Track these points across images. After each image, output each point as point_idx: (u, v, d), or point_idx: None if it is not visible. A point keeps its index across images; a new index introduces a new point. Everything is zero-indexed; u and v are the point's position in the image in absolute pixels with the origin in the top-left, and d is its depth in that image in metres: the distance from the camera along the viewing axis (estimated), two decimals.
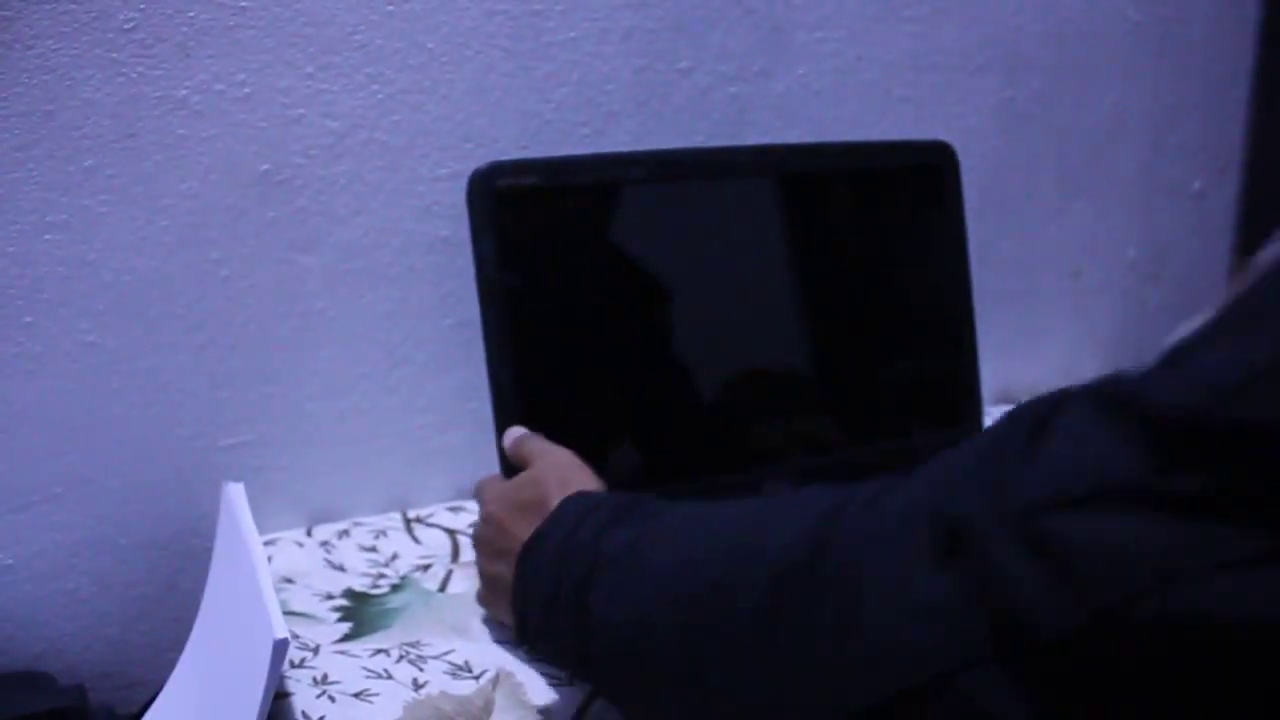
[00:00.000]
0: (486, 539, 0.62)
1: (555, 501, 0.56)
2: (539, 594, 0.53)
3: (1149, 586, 0.32)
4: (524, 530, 0.57)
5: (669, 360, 0.74)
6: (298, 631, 0.67)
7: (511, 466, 0.65)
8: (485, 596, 0.66)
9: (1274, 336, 0.32)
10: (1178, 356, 0.36)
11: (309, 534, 0.80)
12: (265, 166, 0.74)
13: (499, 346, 0.67)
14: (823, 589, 0.40)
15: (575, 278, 0.71)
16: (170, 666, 0.70)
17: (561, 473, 0.60)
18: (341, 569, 0.75)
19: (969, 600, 0.35)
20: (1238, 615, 0.31)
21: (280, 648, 0.52)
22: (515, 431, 0.66)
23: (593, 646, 0.50)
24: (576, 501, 0.55)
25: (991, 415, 1.05)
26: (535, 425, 0.67)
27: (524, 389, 0.68)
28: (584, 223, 0.71)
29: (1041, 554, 0.34)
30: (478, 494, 0.66)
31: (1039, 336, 1.12)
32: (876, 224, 0.82)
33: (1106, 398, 0.36)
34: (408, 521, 0.82)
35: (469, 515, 0.84)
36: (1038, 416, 0.38)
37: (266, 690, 0.52)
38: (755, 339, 0.77)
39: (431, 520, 0.83)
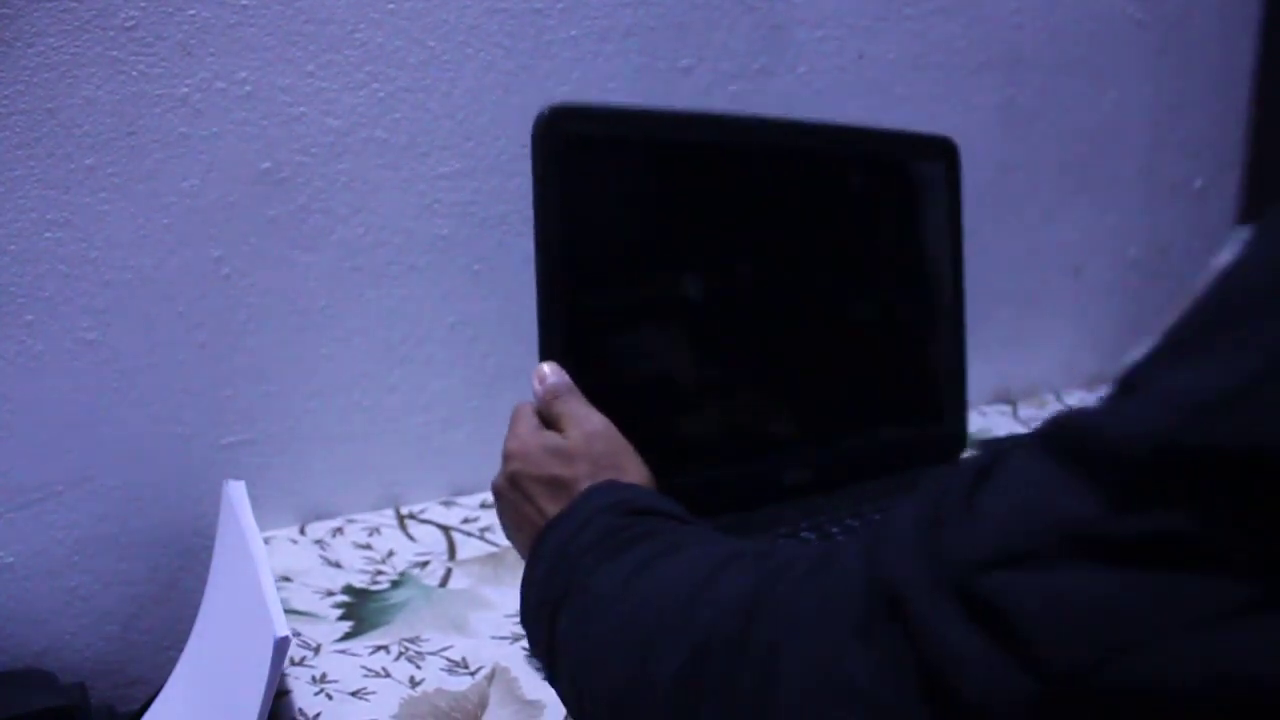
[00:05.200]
0: (511, 502, 0.59)
1: (583, 486, 0.55)
2: (533, 593, 0.53)
3: (1109, 652, 0.28)
4: (548, 507, 0.55)
5: (688, 332, 0.72)
6: (299, 630, 0.67)
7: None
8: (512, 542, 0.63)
9: (1243, 351, 0.28)
10: (1131, 383, 0.31)
11: (302, 532, 0.80)
12: (266, 165, 0.74)
13: (550, 292, 0.64)
14: (744, 664, 0.37)
15: (624, 230, 0.69)
16: (171, 664, 0.70)
17: (595, 451, 0.57)
18: (338, 566, 0.76)
19: (897, 678, 0.32)
20: (1213, 678, 0.26)
21: (281, 645, 0.52)
22: (550, 379, 0.61)
23: (556, 660, 0.50)
24: (598, 497, 0.54)
25: (990, 414, 1.05)
26: (577, 379, 0.63)
27: (570, 339, 0.65)
28: (638, 175, 0.70)
29: (982, 620, 0.30)
30: (508, 450, 0.61)
31: (1039, 335, 1.12)
32: (878, 215, 0.82)
33: (1054, 439, 0.32)
34: (401, 518, 0.83)
35: (462, 510, 0.84)
36: (980, 468, 0.34)
37: (268, 688, 0.52)
38: (777, 321, 0.75)
39: (425, 516, 0.83)
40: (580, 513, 0.53)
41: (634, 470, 0.57)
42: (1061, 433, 0.31)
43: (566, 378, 0.61)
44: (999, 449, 0.34)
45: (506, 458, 0.60)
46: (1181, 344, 0.30)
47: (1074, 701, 0.28)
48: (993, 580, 0.30)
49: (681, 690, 0.39)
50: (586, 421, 0.59)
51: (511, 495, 0.59)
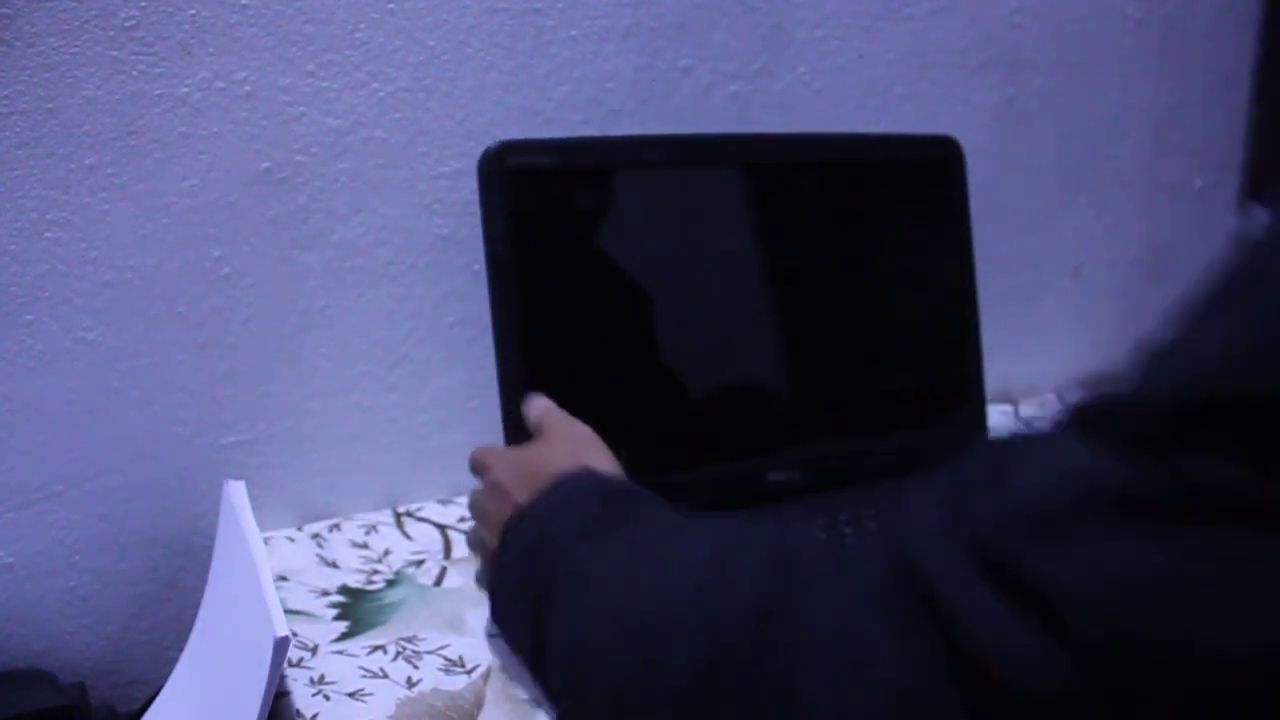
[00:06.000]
0: (485, 507, 0.60)
1: (555, 471, 0.55)
2: (508, 578, 0.52)
3: (1156, 630, 0.25)
4: (521, 497, 0.55)
5: (672, 346, 0.74)
6: (296, 630, 0.67)
7: (522, 435, 0.66)
8: (480, 569, 0.64)
9: (1262, 306, 0.27)
10: (1150, 355, 0.30)
11: (299, 530, 0.80)
12: (266, 164, 0.74)
13: (506, 324, 0.69)
14: (767, 666, 0.35)
15: (583, 258, 0.71)
16: (171, 664, 0.70)
17: (574, 445, 0.58)
18: (335, 565, 0.76)
19: (930, 668, 0.30)
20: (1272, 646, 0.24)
21: (281, 645, 0.52)
22: (538, 401, 0.65)
23: (544, 655, 0.49)
24: (573, 481, 0.53)
25: (990, 414, 1.05)
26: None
27: (531, 365, 0.69)
28: (593, 204, 0.72)
29: (1020, 604, 0.28)
30: (478, 463, 0.63)
31: (1039, 336, 1.12)
32: (882, 218, 0.82)
33: (1081, 415, 0.31)
34: (398, 516, 0.83)
35: (459, 509, 0.84)
36: (1006, 451, 0.33)
37: (268, 688, 0.52)
38: (759, 329, 0.77)
39: (421, 515, 0.83)
40: (556, 494, 0.52)
41: (603, 460, 0.58)
42: (1088, 408, 0.30)
43: (544, 399, 0.66)
44: (1025, 431, 0.33)
45: (481, 470, 0.62)
46: (1199, 313, 0.30)
47: (1126, 691, 0.26)
48: (1028, 558, 0.28)
49: (699, 689, 0.38)
50: (567, 424, 0.61)
51: (487, 501, 0.59)
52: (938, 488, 0.33)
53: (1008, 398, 1.10)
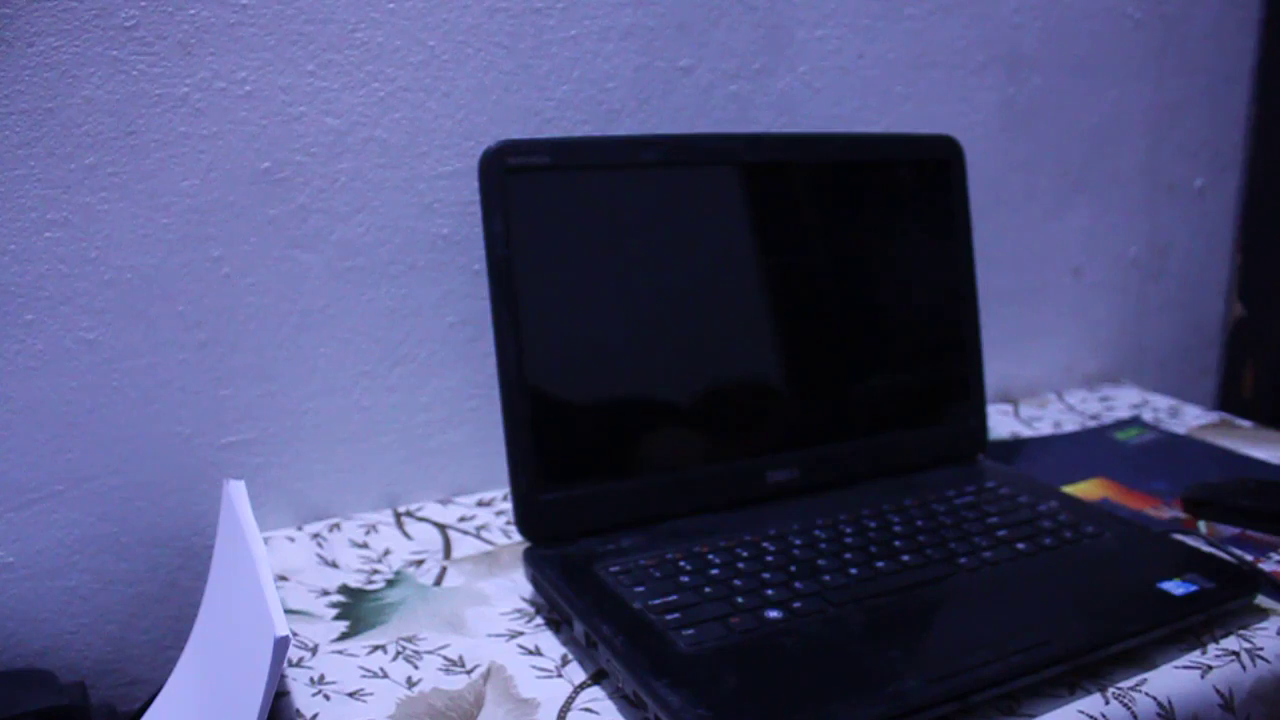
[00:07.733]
0: None
1: None
2: None
3: None
4: None
5: (672, 346, 0.74)
6: (296, 630, 0.67)
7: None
8: None
9: None
10: None
11: (299, 530, 0.80)
12: (266, 164, 0.75)
13: (506, 324, 0.69)
14: None
15: (583, 258, 0.72)
16: (171, 664, 0.70)
17: None
18: (335, 565, 0.76)
19: None
20: None
21: (281, 645, 0.52)
22: None
23: None
24: None
25: (991, 414, 1.05)
26: (541, 404, 0.69)
27: (530, 365, 0.69)
28: (592, 204, 0.72)
29: None
30: None
31: (1039, 335, 1.12)
32: (881, 218, 0.82)
33: None
34: (398, 516, 0.83)
35: (458, 509, 0.84)
36: None
37: (268, 688, 0.52)
38: (759, 329, 0.77)
39: (421, 514, 0.83)
40: None
41: None
42: None
43: None
44: None
45: None
46: None
47: None
48: None
49: None
50: None
51: None
52: None
53: (1008, 398, 1.10)
